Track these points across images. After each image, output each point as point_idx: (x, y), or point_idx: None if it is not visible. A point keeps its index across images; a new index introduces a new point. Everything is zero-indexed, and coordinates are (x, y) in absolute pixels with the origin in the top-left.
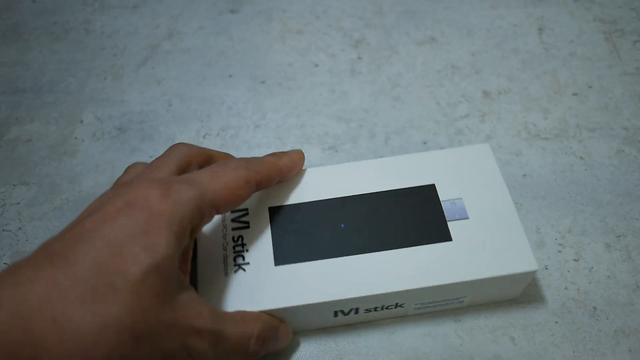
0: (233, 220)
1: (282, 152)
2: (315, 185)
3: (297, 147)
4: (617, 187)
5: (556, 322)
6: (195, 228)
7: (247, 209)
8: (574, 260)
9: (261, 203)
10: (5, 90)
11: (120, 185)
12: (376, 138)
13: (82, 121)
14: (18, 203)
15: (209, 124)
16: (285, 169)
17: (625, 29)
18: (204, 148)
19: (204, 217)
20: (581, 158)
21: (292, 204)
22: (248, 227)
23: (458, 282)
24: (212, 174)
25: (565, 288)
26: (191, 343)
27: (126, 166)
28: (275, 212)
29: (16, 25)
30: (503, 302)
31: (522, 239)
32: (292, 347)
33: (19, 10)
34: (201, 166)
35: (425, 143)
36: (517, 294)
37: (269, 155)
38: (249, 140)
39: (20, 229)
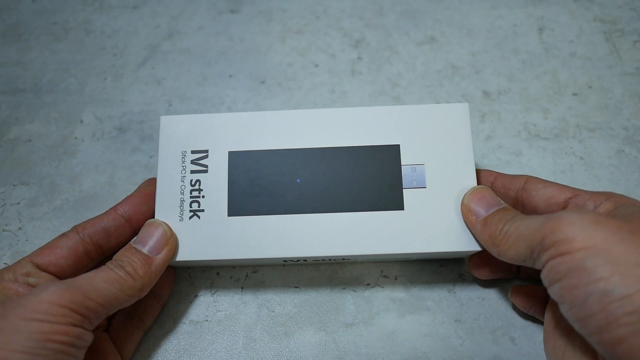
0: (193, 162)
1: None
2: (279, 130)
3: None
4: (617, 187)
5: None
6: (14, 279)
7: (207, 151)
8: None
9: (221, 145)
10: (5, 90)
11: None
12: None
13: (82, 121)
14: (18, 203)
15: None
16: (125, 211)
17: (625, 29)
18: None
19: (15, 270)
20: (581, 158)
21: (252, 150)
22: (207, 171)
23: (402, 253)
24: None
25: None
26: None
27: (126, 166)
28: (234, 158)
29: (16, 25)
30: (504, 302)
31: None
32: (293, 347)
33: (19, 10)
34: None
35: None
36: (465, 256)
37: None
38: None
39: (20, 229)
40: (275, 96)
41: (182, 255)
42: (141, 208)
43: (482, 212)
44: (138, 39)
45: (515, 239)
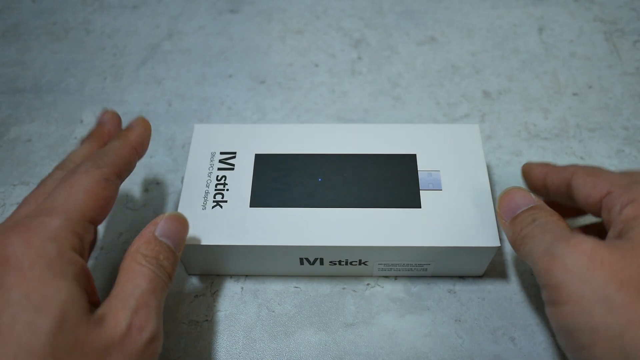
0: (221, 161)
1: (126, 129)
2: (304, 140)
3: None
4: None
5: None
6: (81, 249)
7: (235, 153)
8: None
9: (249, 149)
10: (5, 90)
11: None
12: None
13: (82, 121)
14: (18, 203)
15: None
16: (137, 144)
17: (625, 29)
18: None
19: (83, 236)
20: (581, 158)
21: (278, 154)
22: (233, 169)
23: (417, 246)
24: (66, 190)
25: None
26: None
27: None
28: (260, 159)
29: (16, 25)
30: (504, 302)
31: (490, 217)
32: (293, 347)
33: (19, 10)
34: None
35: None
36: (480, 271)
37: (114, 140)
38: None
39: None
40: (275, 96)
41: (205, 241)
42: (144, 138)
43: (509, 214)
44: (138, 39)
45: (528, 251)
